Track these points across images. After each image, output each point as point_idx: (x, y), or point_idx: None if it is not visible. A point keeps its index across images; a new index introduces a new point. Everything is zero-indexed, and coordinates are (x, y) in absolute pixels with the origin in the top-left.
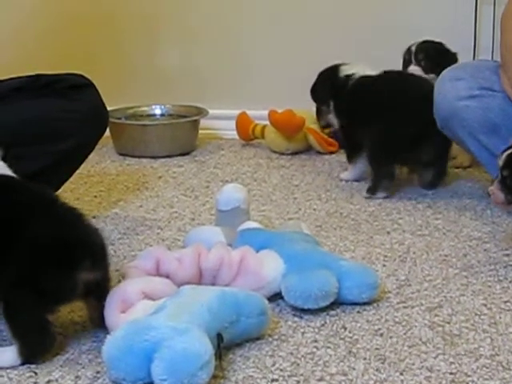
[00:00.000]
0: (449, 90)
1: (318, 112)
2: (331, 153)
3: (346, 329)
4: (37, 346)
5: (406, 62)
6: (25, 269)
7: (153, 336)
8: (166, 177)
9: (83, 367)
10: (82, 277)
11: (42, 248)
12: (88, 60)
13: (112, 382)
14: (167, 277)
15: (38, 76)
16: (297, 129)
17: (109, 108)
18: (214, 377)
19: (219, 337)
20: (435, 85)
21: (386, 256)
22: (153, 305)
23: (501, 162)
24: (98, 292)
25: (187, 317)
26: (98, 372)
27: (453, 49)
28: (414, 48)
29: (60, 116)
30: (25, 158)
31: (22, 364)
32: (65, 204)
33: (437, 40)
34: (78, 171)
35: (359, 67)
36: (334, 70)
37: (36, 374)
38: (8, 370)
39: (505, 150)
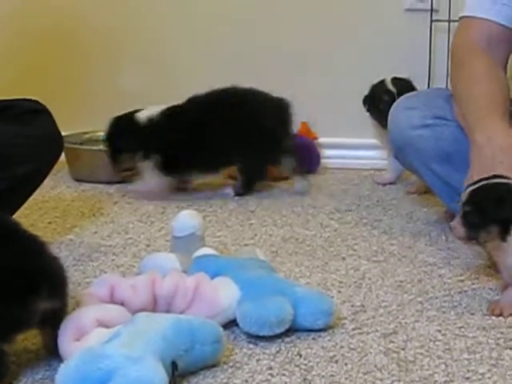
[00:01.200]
0: (402, 120)
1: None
2: (280, 180)
3: (301, 356)
4: None
5: (388, 105)
6: None
7: (107, 364)
8: (121, 202)
9: None
10: (40, 306)
11: None
12: (42, 84)
13: None
14: (122, 304)
15: None
16: None
17: (64, 133)
18: None
19: (174, 365)
20: (390, 114)
21: (341, 282)
22: (107, 333)
23: (463, 197)
24: (54, 320)
25: (141, 345)
26: None
27: (408, 77)
28: (392, 87)
29: (14, 142)
30: None
31: None
32: (25, 231)
33: (400, 75)
34: (32, 197)
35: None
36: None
37: None
38: None
39: (469, 186)
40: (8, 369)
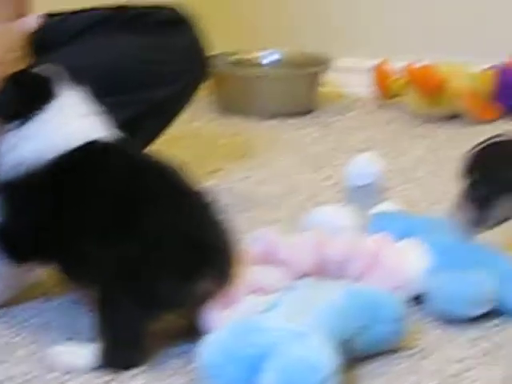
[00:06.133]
0: None
1: None
2: (491, 121)
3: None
4: (123, 356)
5: None
6: (130, 264)
7: (263, 340)
8: (280, 141)
9: (174, 374)
10: (201, 288)
11: (156, 245)
12: None
13: None
14: (282, 266)
15: (123, 7)
16: (436, 89)
17: (210, 52)
18: None
19: (346, 345)
20: None
21: None
22: (263, 301)
23: (465, 166)
24: (212, 300)
25: (307, 318)
26: (191, 380)
27: None
28: None
29: (147, 58)
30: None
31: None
32: (190, 187)
33: None
34: (167, 131)
35: None
36: None
37: (112, 379)
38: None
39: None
40: (144, 355)
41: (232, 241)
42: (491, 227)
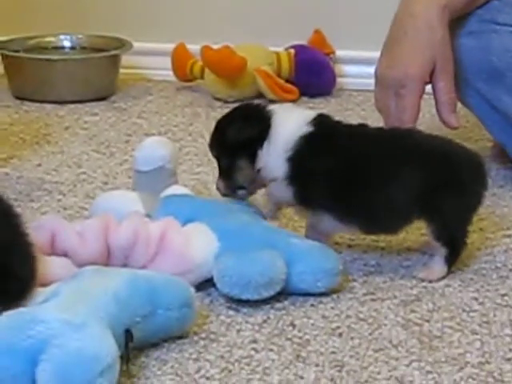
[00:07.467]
0: None
1: None
2: (288, 101)
3: (294, 326)
4: None
5: None
6: None
7: (39, 331)
8: (74, 128)
9: None
10: None
11: None
12: None
13: None
14: (65, 255)
15: None
16: (234, 71)
17: (2, 37)
18: None
19: (128, 334)
20: None
21: (352, 235)
22: (43, 292)
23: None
24: None
25: (86, 307)
26: None
27: None
28: None
29: None
30: None
31: None
32: None
33: None
34: None
35: None
36: None
37: None
38: None
39: None
40: None
41: (25, 234)
42: (247, 196)
